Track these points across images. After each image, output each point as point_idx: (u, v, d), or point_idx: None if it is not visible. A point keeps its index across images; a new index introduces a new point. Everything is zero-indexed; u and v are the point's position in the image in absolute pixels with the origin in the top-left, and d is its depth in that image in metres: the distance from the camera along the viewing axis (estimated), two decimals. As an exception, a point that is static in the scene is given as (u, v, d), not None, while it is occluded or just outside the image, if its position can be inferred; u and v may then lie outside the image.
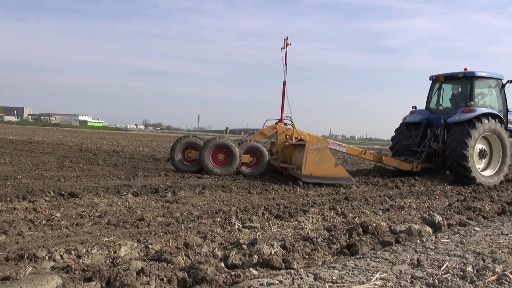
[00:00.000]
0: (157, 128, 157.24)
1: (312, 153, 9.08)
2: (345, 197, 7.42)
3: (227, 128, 13.37)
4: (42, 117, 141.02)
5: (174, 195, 6.69)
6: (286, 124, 11.33)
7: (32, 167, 9.53)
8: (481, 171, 10.93)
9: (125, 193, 6.54)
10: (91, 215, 4.93)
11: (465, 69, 11.59)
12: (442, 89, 12.35)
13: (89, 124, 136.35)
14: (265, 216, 5.31)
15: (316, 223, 5.16)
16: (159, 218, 4.93)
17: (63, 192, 6.17)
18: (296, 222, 5.08)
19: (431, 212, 6.03)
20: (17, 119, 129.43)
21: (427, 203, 7.27)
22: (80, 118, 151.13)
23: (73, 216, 4.86)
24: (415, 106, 12.51)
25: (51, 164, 10.44)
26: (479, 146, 10.95)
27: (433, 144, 11.39)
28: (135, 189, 6.86)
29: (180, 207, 5.76)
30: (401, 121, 12.48)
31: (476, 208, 6.56)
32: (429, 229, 4.77)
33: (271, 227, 4.78)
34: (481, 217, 5.96)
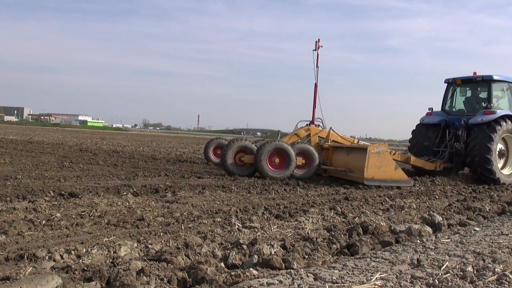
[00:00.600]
0: (157, 128, 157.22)
1: (373, 157, 9.21)
2: (345, 197, 7.42)
3: (279, 131, 13.63)
4: (42, 117, 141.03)
5: (174, 195, 6.69)
6: (318, 125, 11.57)
7: (32, 167, 9.53)
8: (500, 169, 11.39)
9: (125, 193, 6.54)
10: (91, 215, 4.93)
11: (474, 73, 12.18)
12: (457, 92, 12.82)
13: (89, 124, 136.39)
14: (265, 216, 5.31)
15: (316, 223, 5.16)
16: (159, 218, 4.93)
17: (63, 192, 6.17)
18: (296, 222, 5.08)
19: (431, 212, 6.03)
20: (17, 119, 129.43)
21: (427, 203, 7.26)
22: (80, 118, 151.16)
23: (73, 216, 4.86)
24: (432, 108, 12.86)
25: (51, 164, 10.44)
26: (499, 146, 11.37)
27: (456, 145, 11.76)
28: (135, 189, 6.86)
29: (180, 207, 5.76)
30: (418, 122, 12.79)
31: (476, 208, 6.56)
32: (429, 229, 4.77)
33: (271, 227, 4.78)
34: (481, 217, 5.96)
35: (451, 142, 11.83)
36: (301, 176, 10.02)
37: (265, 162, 9.72)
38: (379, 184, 9.13)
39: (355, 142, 11.60)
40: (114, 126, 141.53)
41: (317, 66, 11.48)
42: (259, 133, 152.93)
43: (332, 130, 11.26)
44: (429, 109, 12.86)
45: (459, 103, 12.86)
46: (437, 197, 8.19)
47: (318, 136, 11.31)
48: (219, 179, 9.18)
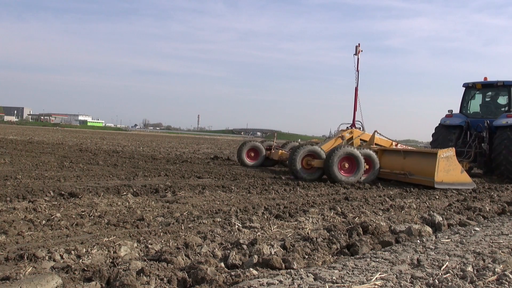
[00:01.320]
0: (157, 128, 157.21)
1: (443, 161, 9.49)
2: (345, 197, 7.42)
3: (333, 134, 14.39)
4: (42, 117, 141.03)
5: (174, 195, 6.69)
6: (360, 128, 11.95)
7: (32, 167, 9.53)
8: None
9: (125, 193, 6.54)
10: (91, 215, 4.93)
11: (485, 78, 13.22)
12: (477, 96, 13.66)
13: (89, 124, 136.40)
14: (265, 216, 5.31)
15: (316, 223, 5.16)
16: (159, 218, 4.93)
17: (63, 192, 6.17)
18: (296, 222, 5.08)
19: (431, 212, 6.04)
20: (17, 119, 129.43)
21: (427, 203, 7.27)
22: (80, 118, 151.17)
23: (73, 216, 4.86)
24: (451, 110, 13.51)
25: (51, 164, 10.44)
26: None
27: (483, 145, 12.38)
28: (135, 189, 6.86)
29: (180, 207, 5.76)
30: (439, 123, 13.39)
31: (476, 208, 6.56)
32: (429, 229, 4.77)
33: (271, 227, 4.78)
34: (481, 217, 5.96)
35: (475, 143, 12.36)
36: (364, 180, 10.15)
37: (336, 167, 9.82)
38: (448, 187, 9.43)
39: (395, 144, 12.06)
40: (117, 126, 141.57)
41: (357, 70, 11.87)
42: (259, 133, 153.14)
43: (378, 133, 11.76)
44: (448, 111, 13.45)
45: (478, 106, 13.57)
46: (437, 197, 8.20)
47: (360, 139, 11.73)
48: (219, 179, 9.19)
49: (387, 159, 10.87)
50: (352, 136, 11.68)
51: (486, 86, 13.22)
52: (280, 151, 12.92)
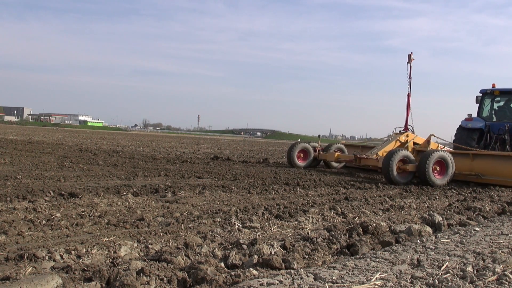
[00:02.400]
0: (157, 128, 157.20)
1: None
2: (345, 197, 7.42)
3: (368, 139, 15.45)
4: (42, 117, 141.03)
5: (174, 195, 6.69)
6: (413, 131, 12.58)
7: (32, 167, 9.53)
8: None
9: (125, 193, 6.54)
10: (91, 215, 4.93)
11: (493, 85, 14.21)
12: (494, 101, 14.51)
13: (89, 124, 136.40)
14: (265, 216, 5.31)
15: (316, 223, 5.16)
16: (159, 218, 4.93)
17: (63, 192, 6.17)
18: (296, 222, 5.08)
19: (431, 212, 6.04)
20: (17, 119, 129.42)
21: (427, 203, 7.27)
22: (80, 118, 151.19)
23: (73, 216, 4.86)
24: (471, 114, 14.24)
25: (51, 164, 10.44)
26: None
27: (508, 148, 12.98)
28: (135, 189, 6.86)
29: (180, 207, 5.76)
30: (460, 126, 14.01)
31: (476, 208, 6.56)
32: (429, 229, 4.77)
33: (271, 227, 4.78)
34: (481, 217, 5.96)
35: (497, 145, 13.12)
36: (440, 182, 10.53)
37: (431, 170, 10.32)
38: None
39: (441, 147, 12.72)
40: (117, 126, 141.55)
41: (409, 78, 12.54)
42: (259, 133, 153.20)
43: (434, 136, 12.38)
44: (468, 115, 14.23)
45: (495, 111, 14.43)
46: (437, 197, 8.20)
47: (413, 142, 12.39)
48: (219, 179, 9.19)
49: (455, 161, 11.27)
50: (407, 140, 12.32)
51: (505, 93, 14.15)
52: (337, 153, 13.24)
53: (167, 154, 17.43)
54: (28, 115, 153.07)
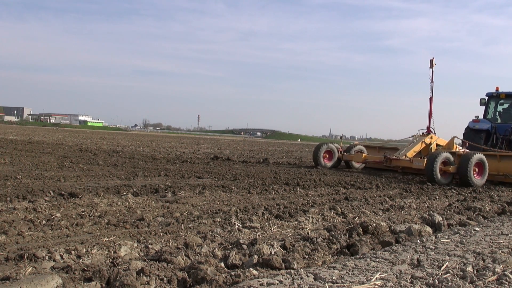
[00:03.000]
0: (157, 128, 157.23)
1: None
2: (345, 197, 7.42)
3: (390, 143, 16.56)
4: (42, 117, 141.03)
5: (174, 195, 6.69)
6: (434, 133, 13.20)
7: (32, 167, 9.53)
8: None
9: (125, 193, 6.54)
10: (91, 215, 4.93)
11: (497, 88, 14.99)
12: (499, 104, 15.27)
13: (89, 124, 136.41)
14: (265, 216, 5.31)
15: (316, 223, 5.16)
16: (159, 218, 4.93)
17: (63, 192, 6.17)
18: (296, 222, 5.08)
19: (431, 212, 6.04)
20: (17, 119, 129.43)
21: (427, 203, 7.27)
22: (80, 118, 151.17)
23: (73, 216, 4.86)
24: (478, 116, 14.98)
25: (51, 164, 10.44)
26: None
27: None
28: (135, 189, 6.86)
29: (180, 207, 5.76)
30: (468, 127, 14.68)
31: (476, 208, 6.56)
32: (429, 229, 4.77)
33: (271, 227, 4.78)
34: (481, 217, 5.96)
35: (504, 145, 13.87)
36: (480, 182, 11.03)
37: (472, 172, 10.81)
38: None
39: (458, 148, 13.17)
40: (117, 126, 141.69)
41: (432, 82, 13.16)
42: (259, 133, 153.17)
43: (457, 138, 13.25)
44: (475, 116, 14.94)
45: (500, 113, 15.17)
46: (437, 197, 8.20)
47: (436, 144, 12.99)
48: (219, 179, 9.19)
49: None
50: (431, 141, 12.89)
51: (508, 96, 15.02)
52: (364, 154, 13.68)
53: (167, 154, 17.43)
54: (28, 115, 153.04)
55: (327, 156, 14.10)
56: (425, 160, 11.35)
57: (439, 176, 10.72)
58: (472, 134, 14.36)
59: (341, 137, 15.34)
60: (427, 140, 12.85)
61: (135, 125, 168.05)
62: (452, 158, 11.13)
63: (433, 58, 13.13)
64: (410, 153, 12.36)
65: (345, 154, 13.94)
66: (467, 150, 12.96)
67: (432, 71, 13.08)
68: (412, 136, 13.51)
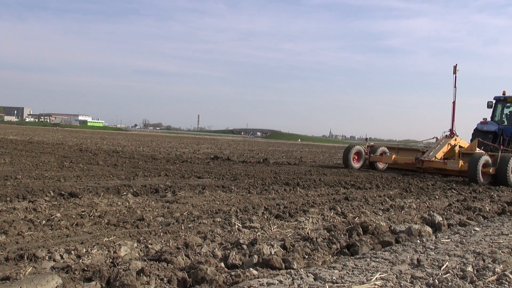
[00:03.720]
0: (157, 128, 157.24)
1: None
2: (345, 197, 7.42)
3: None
4: (42, 117, 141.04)
5: (174, 195, 6.69)
6: (457, 135, 13.99)
7: (32, 167, 9.53)
8: None
9: (125, 193, 6.54)
10: (91, 215, 4.93)
11: (504, 92, 15.74)
12: (504, 107, 15.98)
13: (89, 124, 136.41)
14: (265, 216, 5.31)
15: (316, 223, 5.16)
16: (159, 218, 4.93)
17: (63, 192, 6.17)
18: (296, 222, 5.08)
19: (431, 212, 6.04)
20: (17, 119, 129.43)
21: (427, 203, 7.27)
22: (80, 118, 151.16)
23: (73, 216, 4.86)
24: (486, 118, 15.74)
25: (51, 164, 10.44)
26: None
27: None
28: (135, 189, 6.86)
29: (180, 207, 5.76)
30: (476, 129, 15.42)
31: (476, 208, 6.56)
32: (429, 229, 4.77)
33: (271, 227, 4.78)
34: (481, 217, 5.96)
35: (510, 146, 14.61)
36: None
37: (510, 173, 11.53)
38: None
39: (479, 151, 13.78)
40: (117, 126, 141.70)
41: (455, 87, 14.00)
42: (259, 133, 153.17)
43: (481, 140, 13.73)
44: (483, 119, 15.71)
45: (508, 116, 15.94)
46: (437, 197, 8.20)
47: (459, 145, 13.73)
48: (219, 179, 9.19)
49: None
50: (455, 143, 13.65)
51: None
52: (394, 156, 13.98)
53: (167, 154, 17.43)
54: (28, 115, 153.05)
55: (356, 157, 14.54)
56: (460, 161, 12.27)
57: (481, 177, 11.30)
58: (481, 135, 14.93)
59: (366, 139, 15.79)
60: (452, 142, 13.56)
61: (135, 125, 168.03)
62: (490, 161, 11.80)
63: (456, 64, 13.94)
64: (439, 155, 13.03)
65: (372, 156, 14.41)
66: (503, 153, 13.66)
67: (455, 77, 13.89)
68: (434, 138, 14.45)
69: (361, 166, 14.45)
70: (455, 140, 13.72)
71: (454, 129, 14.02)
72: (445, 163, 12.61)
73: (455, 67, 13.98)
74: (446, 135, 13.92)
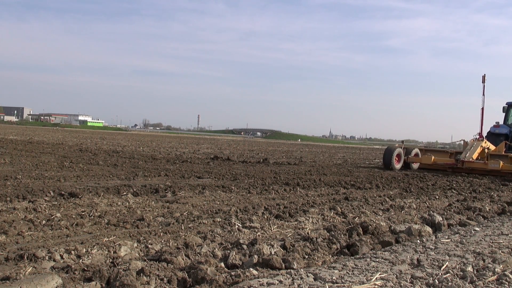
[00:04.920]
0: (157, 128, 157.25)
1: None
2: (345, 197, 7.42)
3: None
4: (42, 117, 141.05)
5: (174, 195, 6.69)
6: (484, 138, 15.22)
7: (32, 167, 9.53)
8: None
9: (125, 193, 6.54)
10: (91, 215, 4.93)
11: None
12: None
13: (89, 124, 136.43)
14: (265, 216, 5.31)
15: (316, 223, 5.16)
16: (159, 218, 4.93)
17: (63, 192, 6.17)
18: (296, 222, 5.08)
19: (431, 212, 6.03)
20: (17, 119, 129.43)
21: (427, 203, 7.27)
22: (80, 118, 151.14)
23: (73, 216, 4.86)
24: (498, 122, 16.86)
25: (51, 164, 10.44)
26: None
27: None
28: (135, 189, 6.86)
29: (180, 207, 5.76)
30: (489, 131, 16.41)
31: (476, 208, 6.56)
32: (429, 229, 4.77)
33: (271, 227, 4.78)
34: (481, 217, 5.96)
35: None
36: None
37: None
38: None
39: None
40: (116, 126, 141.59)
41: (483, 95, 15.60)
42: (259, 133, 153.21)
43: (508, 143, 15.07)
44: (496, 122, 16.82)
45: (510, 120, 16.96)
46: (437, 197, 8.20)
47: (486, 147, 14.81)
48: (219, 179, 9.19)
49: None
50: (485, 146, 14.74)
51: None
52: (433, 157, 14.87)
53: (167, 154, 17.44)
54: (28, 115, 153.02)
55: (397, 159, 15.09)
56: (501, 162, 13.34)
57: None
58: (493, 138, 15.96)
59: (402, 141, 16.52)
60: (483, 144, 14.69)
61: (135, 125, 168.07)
62: None
63: (485, 74, 15.34)
64: (475, 156, 14.17)
65: (410, 157, 15.23)
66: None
67: (484, 86, 15.31)
68: (461, 140, 16.07)
69: (401, 167, 15.08)
70: (485, 143, 14.76)
71: (482, 132, 15.33)
72: (486, 164, 13.57)
73: (483, 77, 15.23)
74: (477, 138, 15.03)
